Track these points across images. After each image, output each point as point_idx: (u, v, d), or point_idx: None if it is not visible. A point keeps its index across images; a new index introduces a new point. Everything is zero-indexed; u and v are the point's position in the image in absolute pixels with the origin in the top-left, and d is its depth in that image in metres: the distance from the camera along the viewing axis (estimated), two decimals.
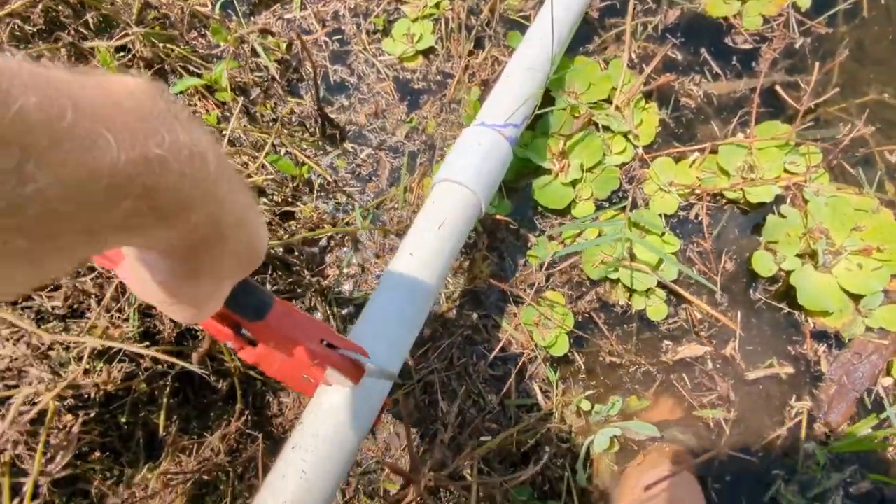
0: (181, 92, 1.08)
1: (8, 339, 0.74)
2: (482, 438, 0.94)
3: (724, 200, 1.05)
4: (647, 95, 1.10)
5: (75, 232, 0.23)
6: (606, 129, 1.07)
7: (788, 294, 1.00)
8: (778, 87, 1.10)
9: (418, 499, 0.75)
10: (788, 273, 0.98)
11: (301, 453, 0.64)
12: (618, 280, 1.01)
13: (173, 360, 0.74)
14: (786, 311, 1.00)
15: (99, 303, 0.81)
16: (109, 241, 0.26)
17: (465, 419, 0.96)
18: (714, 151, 1.05)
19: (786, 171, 1.03)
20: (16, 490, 0.67)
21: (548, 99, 1.06)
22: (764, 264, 0.99)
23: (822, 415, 0.96)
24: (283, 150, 1.09)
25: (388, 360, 0.70)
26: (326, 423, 0.66)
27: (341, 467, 0.66)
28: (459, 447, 0.93)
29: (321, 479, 0.63)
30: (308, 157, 1.09)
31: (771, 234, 1.00)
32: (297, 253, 1.02)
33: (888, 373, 0.96)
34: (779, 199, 1.04)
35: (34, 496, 0.66)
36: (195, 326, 0.90)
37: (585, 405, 0.97)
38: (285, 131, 1.09)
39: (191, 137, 0.27)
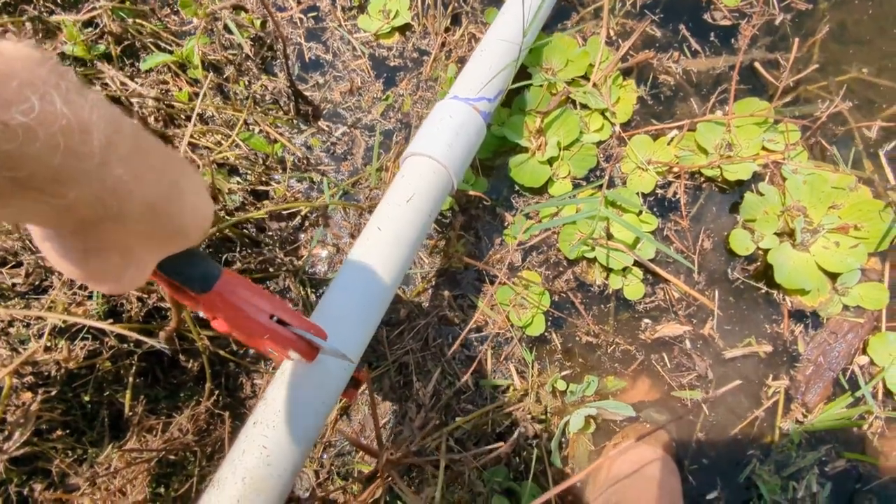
0: (151, 69, 1.05)
1: None
2: (457, 419, 0.94)
3: (702, 178, 1.04)
4: (626, 73, 1.09)
5: None
6: (584, 106, 1.06)
7: (766, 273, 0.99)
8: (757, 64, 1.09)
9: (387, 476, 0.74)
10: (766, 251, 0.98)
11: (262, 429, 0.63)
12: (594, 259, 1.00)
13: (138, 336, 0.72)
14: (763, 291, 0.99)
15: (61, 279, 0.80)
16: None
17: (439, 399, 0.95)
18: (692, 129, 1.04)
19: (764, 148, 1.02)
20: None
21: (525, 76, 1.04)
22: (741, 242, 0.99)
23: (799, 395, 0.95)
24: (255, 129, 1.07)
25: (353, 337, 0.69)
26: (289, 399, 0.64)
27: (303, 445, 0.64)
28: (434, 427, 0.92)
29: (282, 455, 0.62)
30: (281, 134, 1.07)
31: (749, 212, 0.99)
32: (269, 232, 1.00)
33: (864, 351, 0.96)
34: (756, 178, 1.03)
35: None
36: (165, 304, 0.88)
37: (561, 385, 0.96)
38: (258, 109, 1.07)
39: (73, 111, 0.25)
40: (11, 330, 0.74)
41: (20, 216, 0.27)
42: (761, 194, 1.00)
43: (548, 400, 0.96)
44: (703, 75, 1.10)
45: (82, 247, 0.31)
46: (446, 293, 1.00)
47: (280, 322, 0.52)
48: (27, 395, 0.70)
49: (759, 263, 1.00)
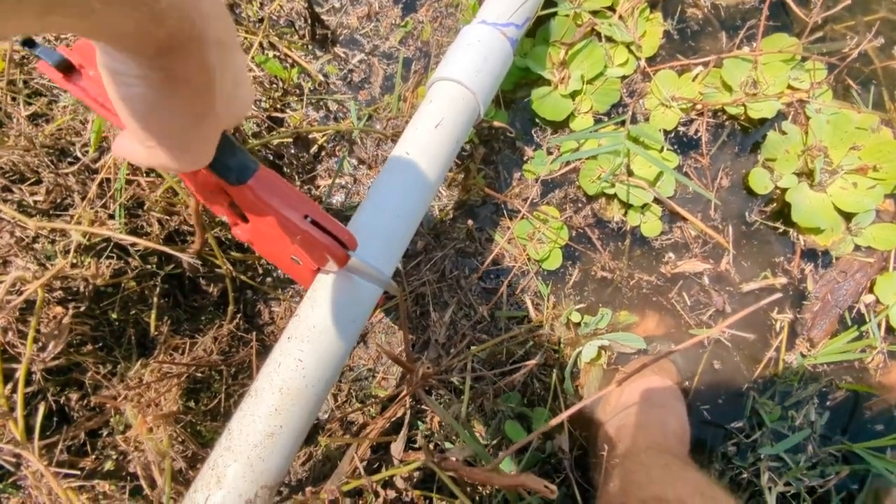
0: None
1: None
2: (472, 348, 0.96)
3: (724, 116, 1.03)
4: (653, 5, 1.06)
5: None
6: (609, 39, 1.03)
7: (782, 212, 1.00)
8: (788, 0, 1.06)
9: (413, 393, 0.76)
10: (784, 191, 0.98)
11: (297, 343, 0.64)
12: (614, 195, 1.00)
13: (164, 248, 0.72)
14: (779, 230, 1.00)
15: (83, 198, 0.79)
16: (49, 10, 0.22)
17: (455, 329, 0.97)
18: (718, 65, 1.02)
19: (790, 86, 1.01)
20: (8, 377, 0.67)
21: (550, 3, 1.01)
22: (760, 181, 0.99)
23: (805, 331, 0.98)
24: (270, 53, 1.04)
25: (384, 254, 0.69)
26: (323, 314, 0.65)
27: (338, 359, 0.66)
28: (451, 353, 0.95)
29: (317, 369, 0.64)
30: (298, 59, 1.04)
31: (770, 151, 0.99)
32: (286, 159, 0.99)
33: (871, 290, 0.98)
34: (780, 117, 1.02)
35: (28, 383, 0.66)
36: (186, 227, 0.88)
37: (575, 317, 0.98)
38: (272, 32, 1.04)
39: None
40: (37, 245, 0.74)
41: (102, 29, 0.25)
42: (784, 133, 0.99)
43: (562, 331, 0.98)
44: (731, 10, 1.07)
45: (157, 79, 0.30)
46: (464, 226, 1.00)
47: (314, 224, 0.51)
48: (58, 309, 0.70)
49: (775, 203, 1.01)
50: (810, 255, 1.00)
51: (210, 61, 0.30)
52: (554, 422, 0.61)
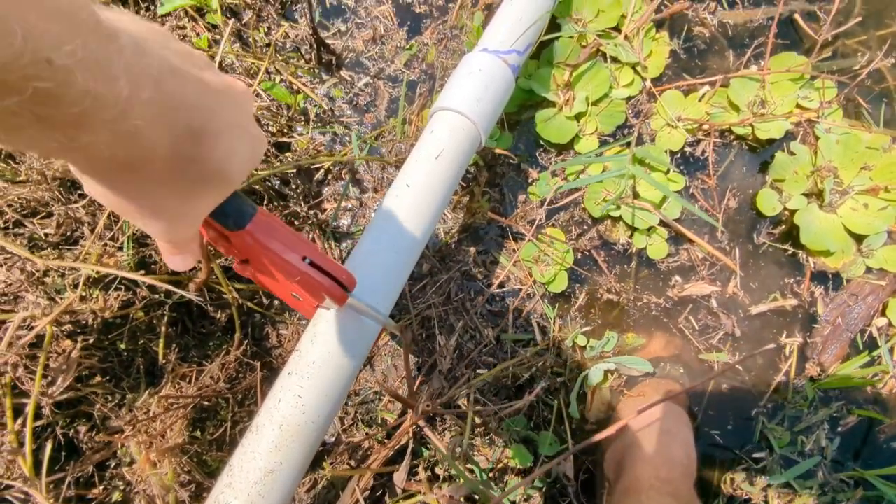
0: (168, 13, 1.02)
1: (1, 265, 0.74)
2: (478, 371, 0.96)
3: (731, 136, 1.02)
4: (659, 24, 1.05)
5: None
6: (614, 60, 1.03)
7: (791, 234, 0.99)
8: (797, 16, 1.04)
9: (415, 424, 0.77)
10: (793, 212, 0.97)
11: (297, 379, 0.65)
12: (619, 218, 0.99)
13: (168, 287, 0.73)
14: (787, 252, 0.99)
15: (92, 231, 0.80)
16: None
17: (461, 353, 0.97)
18: (725, 85, 1.01)
19: (798, 106, 0.99)
20: (18, 411, 0.68)
21: (554, 26, 1.01)
22: (768, 203, 0.98)
23: (815, 355, 0.97)
24: (277, 78, 1.05)
25: (383, 290, 0.70)
26: (323, 350, 0.66)
27: (338, 394, 0.66)
28: (456, 379, 0.95)
29: (317, 405, 0.64)
30: (304, 84, 1.05)
31: (778, 171, 0.98)
32: (293, 185, 1.00)
33: (883, 313, 0.97)
34: (788, 137, 1.01)
35: (37, 417, 0.68)
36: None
37: (581, 340, 0.98)
38: (279, 57, 1.05)
39: (105, 55, 0.25)
40: (47, 280, 0.76)
41: (27, 144, 0.27)
42: (792, 153, 0.98)
43: (568, 354, 0.98)
44: (739, 28, 1.06)
45: (102, 184, 0.31)
46: (470, 249, 1.00)
47: (312, 265, 0.52)
48: (67, 343, 0.72)
49: (784, 224, 1.00)
50: (820, 277, 0.99)
51: (155, 177, 0.32)
52: (559, 459, 0.60)
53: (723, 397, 0.96)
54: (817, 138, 0.98)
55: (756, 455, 0.94)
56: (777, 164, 0.98)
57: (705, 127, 1.01)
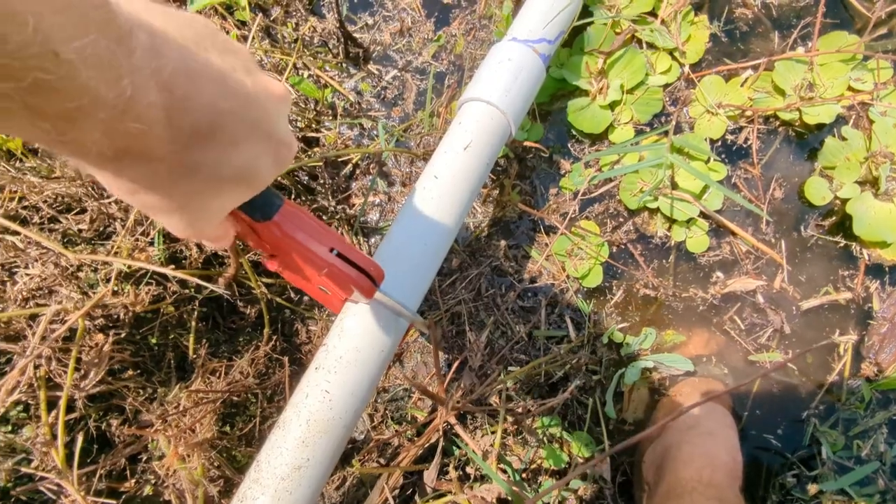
0: (199, 11, 1.03)
1: (37, 260, 0.75)
2: (510, 369, 0.93)
3: (777, 123, 0.97)
4: (698, 7, 1.00)
5: None
6: (650, 45, 0.99)
7: (842, 224, 0.93)
8: None
9: (445, 422, 0.74)
10: (844, 201, 0.91)
11: (324, 374, 0.63)
12: (657, 210, 0.95)
13: (199, 281, 0.73)
14: (839, 244, 0.93)
15: (124, 226, 0.81)
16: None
17: (493, 350, 0.95)
18: (769, 68, 0.96)
19: (850, 88, 0.93)
20: (52, 404, 0.69)
21: (586, 13, 0.98)
22: (818, 192, 0.92)
23: (872, 354, 0.91)
24: (305, 73, 1.04)
25: (411, 284, 0.68)
26: (350, 345, 0.64)
27: (365, 389, 0.65)
28: (487, 376, 0.92)
29: (344, 400, 0.63)
30: (332, 79, 1.04)
31: (828, 158, 0.92)
32: (320, 180, 0.99)
33: None
34: (839, 121, 0.95)
35: (70, 410, 0.68)
36: (222, 251, 0.89)
37: (618, 337, 0.94)
38: (307, 52, 1.04)
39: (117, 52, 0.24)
40: (81, 274, 0.77)
41: (13, 129, 0.26)
42: (844, 139, 0.92)
43: (603, 352, 0.94)
44: (784, 8, 1.00)
45: (104, 175, 0.30)
46: (500, 243, 0.98)
47: (340, 257, 0.50)
48: (99, 337, 0.72)
49: (835, 214, 0.94)
50: (875, 270, 0.92)
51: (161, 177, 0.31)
52: (595, 461, 0.57)
53: (771, 398, 0.91)
54: (872, 122, 0.92)
55: (806, 459, 0.88)
56: (827, 151, 0.92)
57: (748, 113, 0.96)
